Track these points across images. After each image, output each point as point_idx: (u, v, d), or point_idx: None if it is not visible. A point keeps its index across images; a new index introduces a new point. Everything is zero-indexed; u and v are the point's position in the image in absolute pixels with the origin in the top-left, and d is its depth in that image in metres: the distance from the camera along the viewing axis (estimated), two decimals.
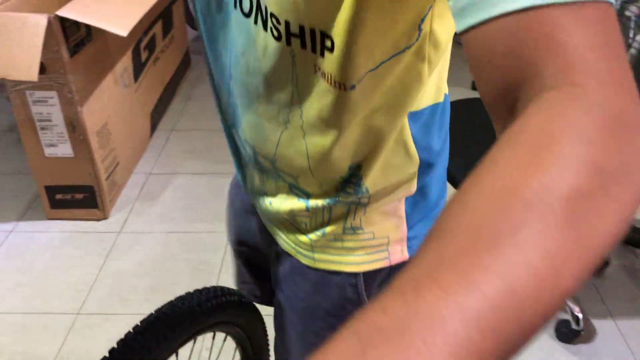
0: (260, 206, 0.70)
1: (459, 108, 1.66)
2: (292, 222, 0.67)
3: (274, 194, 0.67)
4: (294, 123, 0.56)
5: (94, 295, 1.72)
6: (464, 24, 0.33)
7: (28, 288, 1.75)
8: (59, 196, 1.98)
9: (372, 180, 0.60)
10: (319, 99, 0.52)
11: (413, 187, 0.62)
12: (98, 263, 1.85)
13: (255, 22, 0.50)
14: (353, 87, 0.50)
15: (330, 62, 0.49)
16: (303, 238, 0.66)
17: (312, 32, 0.47)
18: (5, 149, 2.46)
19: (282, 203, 0.66)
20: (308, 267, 0.67)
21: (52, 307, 1.68)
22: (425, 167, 0.62)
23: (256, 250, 0.82)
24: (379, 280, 0.66)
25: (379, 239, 0.64)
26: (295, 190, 0.64)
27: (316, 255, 0.66)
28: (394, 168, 0.60)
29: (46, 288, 1.75)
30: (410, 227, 0.65)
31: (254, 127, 0.60)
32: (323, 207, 0.63)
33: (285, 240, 0.70)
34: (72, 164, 1.90)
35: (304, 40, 0.48)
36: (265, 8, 0.48)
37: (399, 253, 0.65)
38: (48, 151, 1.88)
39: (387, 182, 0.60)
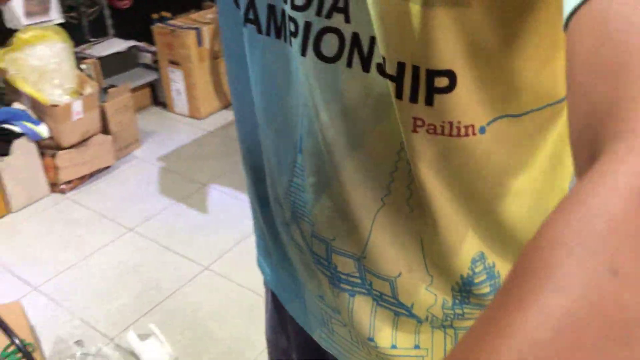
0: (329, 334, 0.54)
1: None
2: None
3: (350, 315, 0.49)
4: (398, 195, 0.42)
5: None
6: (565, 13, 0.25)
7: None
8: None
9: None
10: (436, 150, 0.40)
11: None
12: None
13: (349, 64, 0.39)
14: (483, 130, 0.39)
15: (448, 104, 0.38)
16: None
17: (416, 70, 0.36)
18: None
19: (366, 325, 0.49)
20: None
21: None
22: None
23: None
24: None
25: None
26: (387, 302, 0.47)
27: None
28: None
29: None
30: None
31: (333, 211, 0.45)
32: (444, 336, 0.47)
33: None
34: None
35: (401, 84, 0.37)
36: (373, 40, 0.37)
37: None
38: None
39: None
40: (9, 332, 0.41)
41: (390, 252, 0.45)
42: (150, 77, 3.01)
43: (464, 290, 0.46)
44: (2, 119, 2.17)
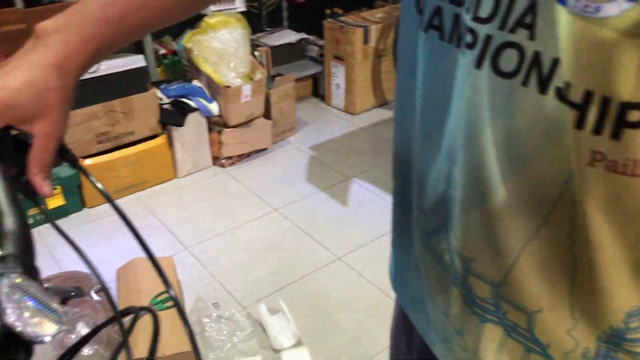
0: (449, 352, 0.51)
1: None
2: None
3: (476, 341, 0.47)
4: (557, 228, 0.39)
5: None
6: None
7: None
8: None
9: None
10: (611, 189, 0.36)
11: None
12: None
13: (525, 83, 0.37)
14: None
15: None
16: None
17: (606, 101, 0.34)
18: None
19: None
20: None
21: None
22: None
23: None
24: None
25: None
26: (520, 335, 0.44)
27: None
28: None
29: None
30: None
31: (479, 231, 0.43)
32: None
33: None
34: None
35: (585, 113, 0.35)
36: (556, 62, 0.35)
37: None
38: None
39: None
40: (166, 283, 0.47)
41: (534, 285, 0.42)
42: (315, 69, 3.15)
43: (612, 342, 0.42)
44: (182, 93, 2.42)
